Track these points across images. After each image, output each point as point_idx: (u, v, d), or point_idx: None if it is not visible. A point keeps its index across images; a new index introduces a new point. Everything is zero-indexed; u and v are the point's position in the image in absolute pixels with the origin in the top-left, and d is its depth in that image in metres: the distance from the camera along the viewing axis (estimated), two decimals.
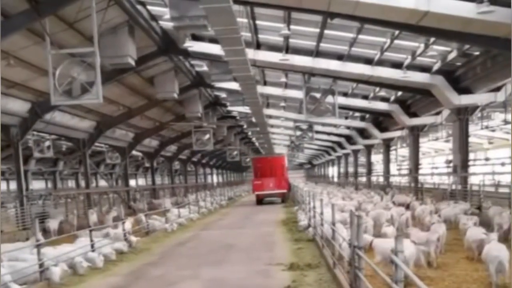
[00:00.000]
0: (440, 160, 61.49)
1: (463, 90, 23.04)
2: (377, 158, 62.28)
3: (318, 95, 25.10)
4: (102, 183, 52.54)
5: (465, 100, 23.13)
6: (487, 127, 33.53)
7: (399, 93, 29.45)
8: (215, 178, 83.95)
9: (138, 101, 29.59)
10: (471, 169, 26.21)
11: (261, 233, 21.05)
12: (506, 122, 29.92)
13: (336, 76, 24.28)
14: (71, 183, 60.59)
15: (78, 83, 14.45)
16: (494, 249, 9.96)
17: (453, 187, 25.85)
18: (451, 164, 28.30)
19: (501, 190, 25.20)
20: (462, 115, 24.25)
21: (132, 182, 60.46)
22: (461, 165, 24.57)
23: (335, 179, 71.02)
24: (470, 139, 32.46)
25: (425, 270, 11.06)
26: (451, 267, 11.89)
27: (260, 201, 40.68)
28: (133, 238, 17.82)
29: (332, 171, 76.43)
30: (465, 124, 24.56)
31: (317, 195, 24.77)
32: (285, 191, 41.16)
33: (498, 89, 23.17)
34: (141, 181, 71.24)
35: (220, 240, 19.48)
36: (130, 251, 16.92)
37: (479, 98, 23.62)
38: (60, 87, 14.49)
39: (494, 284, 9.58)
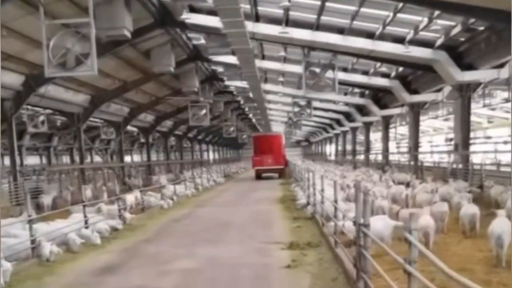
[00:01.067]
0: (439, 139, 61.24)
1: (466, 66, 22.49)
2: (375, 137, 62.00)
3: (317, 70, 24.60)
4: (97, 159, 52.01)
5: (468, 76, 22.61)
6: (489, 105, 32.46)
7: (400, 69, 28.92)
8: (211, 155, 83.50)
9: (134, 74, 28.98)
10: (472, 148, 25.73)
11: (258, 210, 20.71)
12: (506, 100, 29.18)
13: (336, 51, 23.68)
14: (65, 159, 59.95)
15: (73, 55, 13.93)
16: (497, 224, 10.00)
17: (454, 166, 25.44)
18: (452, 143, 27.91)
19: (502, 169, 24.81)
20: (465, 92, 23.76)
21: (127, 158, 60.50)
22: (463, 143, 24.16)
23: (332, 157, 70.98)
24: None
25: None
26: (453, 246, 11.48)
27: (259, 176, 43.55)
28: (128, 215, 17.45)
29: (330, 149, 76.00)
30: (467, 102, 24.09)
31: (317, 172, 24.27)
32: (282, 167, 43.83)
33: (501, 65, 22.68)
34: (137, 157, 70.83)
35: (216, 217, 19.16)
36: (125, 228, 16.57)
37: (482, 74, 23.08)
38: (54, 59, 13.97)
39: (497, 258, 9.68)
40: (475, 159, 25.78)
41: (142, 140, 52.76)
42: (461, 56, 22.47)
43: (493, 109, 41.83)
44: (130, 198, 19.17)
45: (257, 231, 15.19)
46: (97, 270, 11.21)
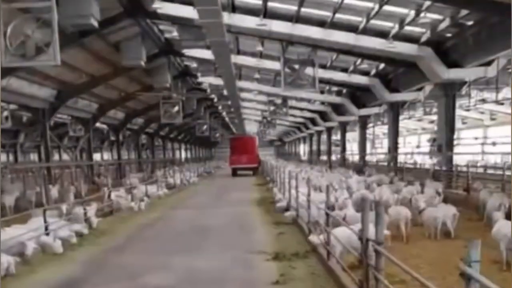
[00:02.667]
0: (413, 140, 60.91)
1: (452, 63, 21.59)
2: (348, 137, 61.33)
3: (296, 66, 23.57)
4: (66, 157, 49.96)
5: (454, 74, 21.67)
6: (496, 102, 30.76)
7: (381, 66, 28.05)
8: (183, 154, 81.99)
9: (103, 68, 27.41)
10: (457, 149, 24.87)
11: (236, 214, 19.45)
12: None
13: (316, 45, 22.65)
14: (33, 157, 57.77)
15: (33, 43, 12.54)
16: (504, 226, 10.01)
17: (437, 167, 24.53)
18: (435, 143, 27.02)
19: (490, 171, 24.00)
20: (449, 91, 22.87)
21: (97, 157, 58.75)
22: (446, 144, 23.27)
23: (305, 157, 70.28)
24: (469, 114, 31.04)
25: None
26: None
27: (235, 173, 48.41)
28: (94, 219, 15.99)
29: (304, 149, 75.20)
30: (452, 101, 23.22)
31: (299, 174, 23.09)
32: (256, 165, 49.18)
33: (488, 63, 21.83)
34: (107, 156, 68.76)
35: (192, 221, 17.81)
36: (91, 233, 15.09)
37: (468, 72, 22.19)
38: (12, 47, 12.56)
39: (505, 262, 9.76)
40: (461, 161, 24.89)
41: (113, 138, 51.17)
42: (447, 52, 21.58)
43: (501, 104, 40.75)
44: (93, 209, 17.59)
45: (238, 238, 13.95)
46: (56, 287, 9.81)
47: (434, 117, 53.10)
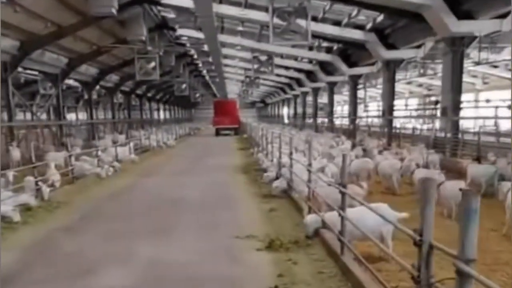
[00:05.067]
0: (399, 104, 58.58)
1: (463, 14, 19.07)
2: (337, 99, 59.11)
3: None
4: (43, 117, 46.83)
5: (465, 27, 19.17)
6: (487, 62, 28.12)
7: (378, 19, 25.32)
8: (162, 114, 79.13)
9: (70, 18, 24.47)
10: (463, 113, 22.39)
11: (217, 182, 16.90)
12: None
13: None
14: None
15: None
16: None
17: (440, 134, 22.10)
18: (439, 106, 24.55)
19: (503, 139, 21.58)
20: (458, 47, 20.29)
21: (72, 117, 55.99)
22: (453, 107, 20.80)
23: (287, 120, 68.41)
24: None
25: None
26: None
27: (218, 133, 52.58)
28: (45, 188, 13.32)
29: (288, 111, 72.77)
30: (460, 58, 20.65)
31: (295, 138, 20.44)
32: (237, 126, 53.38)
33: (504, 16, 19.26)
34: (82, 116, 65.67)
35: (165, 192, 15.17)
36: (42, 206, 12.47)
37: (481, 25, 19.55)
38: None
39: None
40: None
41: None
42: (458, 1, 18.97)
43: (495, 66, 38.32)
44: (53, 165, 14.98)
45: (219, 216, 11.36)
46: None
47: (424, 80, 51.50)
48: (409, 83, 54.85)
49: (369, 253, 7.93)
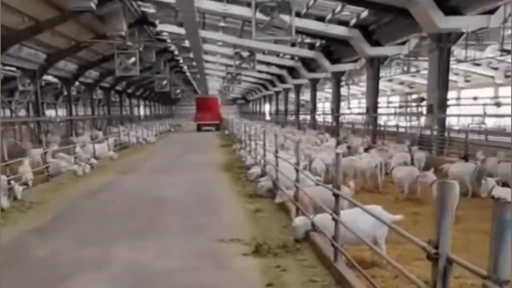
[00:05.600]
0: (382, 101, 58.30)
1: (450, 10, 18.79)
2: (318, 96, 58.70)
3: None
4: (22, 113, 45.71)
5: (453, 22, 19.00)
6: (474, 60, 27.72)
7: (363, 15, 24.91)
8: (142, 110, 78.21)
9: (47, 12, 23.83)
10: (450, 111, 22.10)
11: (199, 181, 16.29)
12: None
13: None
14: None
15: None
16: None
17: (426, 131, 21.79)
18: (424, 103, 24.20)
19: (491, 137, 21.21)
20: (445, 43, 19.96)
21: (52, 113, 55.05)
22: (439, 104, 20.49)
23: (269, 117, 68.18)
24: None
25: None
26: None
27: (199, 128, 53.25)
28: (18, 187, 12.63)
29: (270, 108, 72.42)
30: (447, 54, 20.33)
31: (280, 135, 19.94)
32: (218, 122, 54.00)
33: (491, 12, 18.99)
34: (62, 112, 64.56)
35: (145, 190, 14.56)
36: (14, 207, 11.78)
37: (468, 21, 19.27)
38: None
39: None
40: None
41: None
42: None
43: (478, 64, 38.25)
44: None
45: (202, 217, 10.79)
46: None
47: (406, 78, 51.37)
48: (390, 80, 54.72)
49: (361, 257, 7.46)
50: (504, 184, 12.24)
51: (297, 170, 9.37)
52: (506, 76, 42.36)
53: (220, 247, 8.34)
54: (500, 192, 10.22)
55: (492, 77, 43.56)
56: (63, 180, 16.59)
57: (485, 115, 21.93)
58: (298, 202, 9.40)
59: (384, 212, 7.36)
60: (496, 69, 42.37)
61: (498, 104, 22.82)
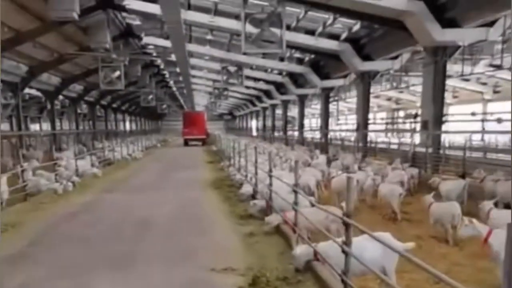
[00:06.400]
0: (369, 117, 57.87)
1: (447, 22, 18.22)
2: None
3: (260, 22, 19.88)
4: (5, 127, 44.50)
5: (450, 35, 18.38)
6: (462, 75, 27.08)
7: (354, 28, 24.33)
8: (128, 125, 77.30)
9: (28, 23, 23.09)
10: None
11: (187, 200, 15.42)
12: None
13: None
14: None
15: None
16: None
17: (421, 148, 21.10)
18: (418, 119, 23.58)
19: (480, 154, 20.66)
20: (441, 57, 19.38)
21: (36, 127, 54.10)
22: (434, 120, 19.85)
23: (256, 133, 67.95)
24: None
25: None
26: None
27: (186, 143, 55.70)
28: None
29: (257, 124, 71.95)
30: (443, 69, 19.73)
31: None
32: (205, 137, 56.02)
33: (491, 24, 18.50)
34: (46, 126, 63.50)
35: (130, 211, 13.64)
36: None
37: (466, 34, 18.67)
38: None
39: None
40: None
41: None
42: (442, 8, 18.10)
43: (466, 80, 37.92)
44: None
45: (191, 241, 9.93)
46: None
47: (393, 94, 50.95)
48: (377, 96, 54.29)
49: None
50: (506, 206, 11.67)
51: (295, 192, 8.56)
52: (495, 92, 42.12)
53: (213, 278, 7.50)
54: (498, 215, 9.54)
55: (481, 92, 43.25)
56: (42, 199, 15.63)
57: (483, 131, 21.28)
58: (298, 227, 8.58)
59: (393, 239, 6.68)
60: (485, 84, 42.08)
61: (499, 120, 22.21)
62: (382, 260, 6.41)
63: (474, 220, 7.97)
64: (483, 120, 22.18)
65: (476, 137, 26.21)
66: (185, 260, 8.59)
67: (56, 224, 12.18)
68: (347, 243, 5.66)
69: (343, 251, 5.69)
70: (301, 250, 7.52)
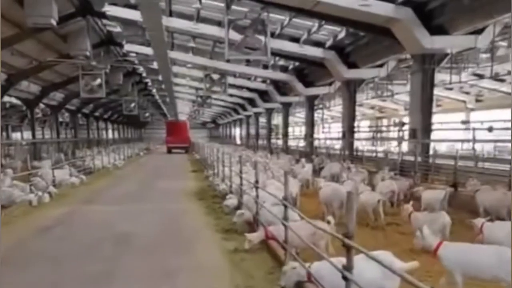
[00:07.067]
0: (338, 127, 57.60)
1: (435, 29, 17.86)
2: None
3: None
4: None
5: (439, 42, 18.05)
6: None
7: (340, 36, 23.93)
8: (110, 134, 76.38)
9: (6, 30, 22.23)
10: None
11: (169, 212, 14.76)
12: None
13: (268, 1, 18.31)
14: None
15: None
16: None
17: (409, 157, 20.73)
18: (406, 128, 23.21)
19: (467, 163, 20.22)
20: (428, 64, 19.00)
21: (18, 136, 53.19)
22: (423, 129, 19.47)
23: (240, 141, 67.81)
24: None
25: None
26: None
27: (169, 151, 57.63)
28: None
29: (240, 132, 71.62)
30: (431, 76, 19.37)
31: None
32: (187, 145, 57.55)
33: (480, 31, 18.17)
34: (27, 135, 62.49)
35: (108, 224, 12.92)
36: None
37: (455, 41, 18.39)
38: None
39: None
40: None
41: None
42: (430, 15, 17.73)
43: (450, 89, 37.81)
44: None
45: (174, 258, 9.27)
46: None
47: (376, 102, 50.74)
48: (360, 105, 54.14)
49: None
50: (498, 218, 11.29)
51: (285, 206, 7.99)
52: (477, 101, 42.11)
53: None
54: (491, 229, 9.09)
55: (464, 101, 43.20)
56: (15, 212, 14.87)
57: (474, 140, 20.94)
58: (288, 245, 8.01)
59: (394, 259, 6.17)
60: (467, 93, 42.05)
61: (490, 129, 21.93)
62: (384, 282, 5.91)
63: (425, 231, 7.78)
64: (474, 129, 21.79)
65: (467, 146, 25.89)
66: (167, 280, 7.95)
67: (26, 240, 11.39)
68: (348, 268, 5.08)
69: (344, 277, 5.11)
70: (292, 271, 6.92)
